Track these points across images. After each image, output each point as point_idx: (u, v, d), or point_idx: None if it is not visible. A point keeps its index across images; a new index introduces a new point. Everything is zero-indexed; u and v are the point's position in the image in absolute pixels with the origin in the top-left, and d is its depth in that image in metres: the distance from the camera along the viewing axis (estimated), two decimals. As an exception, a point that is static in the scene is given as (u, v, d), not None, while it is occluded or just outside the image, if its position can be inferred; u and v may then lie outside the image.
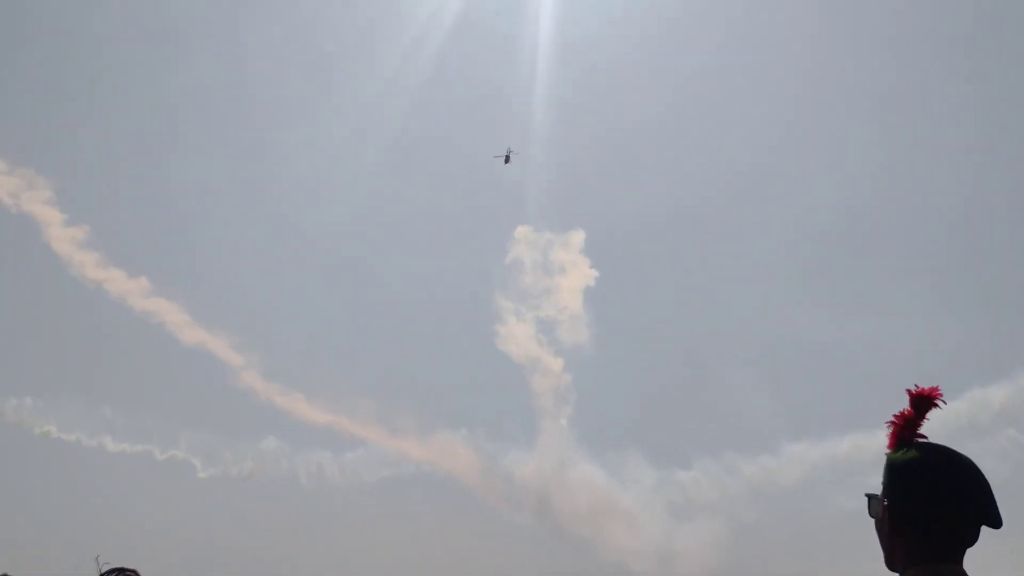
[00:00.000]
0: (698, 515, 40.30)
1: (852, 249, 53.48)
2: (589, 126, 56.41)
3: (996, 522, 2.36)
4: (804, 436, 39.34)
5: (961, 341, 46.58)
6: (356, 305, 55.20)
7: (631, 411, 47.12)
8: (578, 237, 40.98)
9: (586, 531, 41.26)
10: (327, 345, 50.00)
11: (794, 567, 39.11)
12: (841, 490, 35.74)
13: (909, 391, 2.56)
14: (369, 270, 56.00)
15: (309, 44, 54.84)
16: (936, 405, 2.54)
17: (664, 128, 62.89)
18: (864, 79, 52.57)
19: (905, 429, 2.55)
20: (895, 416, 2.57)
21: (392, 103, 50.13)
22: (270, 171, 51.90)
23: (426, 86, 51.50)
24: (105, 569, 3.60)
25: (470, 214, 57.46)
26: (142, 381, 45.58)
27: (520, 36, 48.79)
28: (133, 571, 3.60)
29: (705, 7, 56.40)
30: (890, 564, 2.47)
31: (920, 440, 2.52)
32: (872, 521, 2.54)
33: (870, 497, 2.53)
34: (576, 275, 40.78)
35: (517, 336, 41.12)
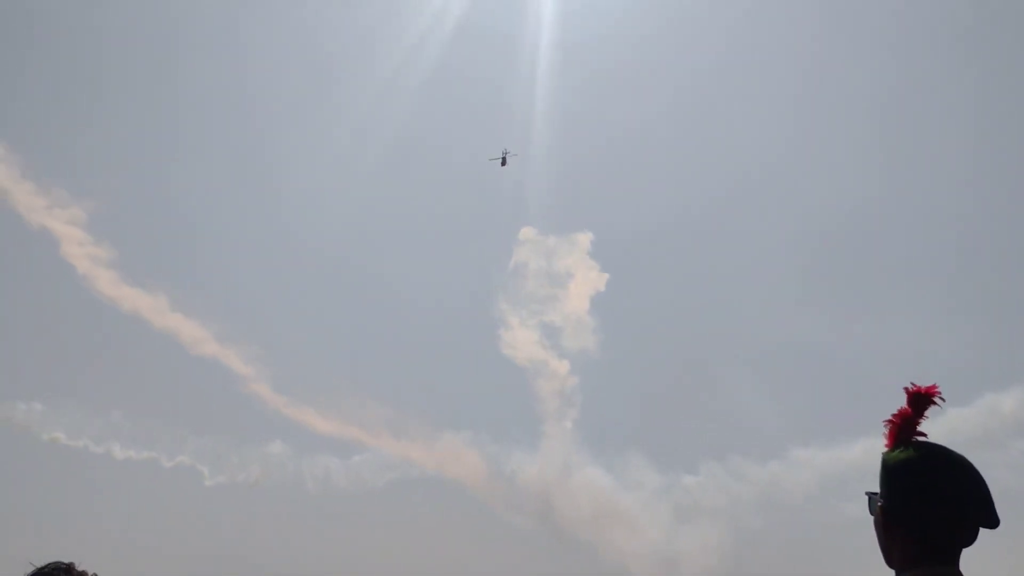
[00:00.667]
0: (703, 519, 40.14)
1: (861, 251, 53.35)
2: (590, 128, 56.48)
3: (993, 523, 2.31)
4: (811, 441, 39.18)
5: (970, 344, 46.31)
6: (360, 310, 55.32)
7: (636, 414, 47.10)
8: (585, 239, 40.82)
9: (589, 534, 41.17)
10: (331, 350, 50.13)
11: (798, 572, 38.86)
12: (848, 496, 35.53)
13: (907, 389, 2.52)
14: (373, 276, 56.09)
15: (310, 46, 55.08)
16: (934, 403, 2.50)
17: (665, 131, 62.89)
18: (866, 82, 52.53)
19: (903, 428, 2.50)
20: (893, 415, 2.53)
21: (393, 105, 50.29)
22: (271, 176, 52.04)
23: (427, 87, 51.74)
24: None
25: (473, 217, 57.53)
26: (149, 388, 45.73)
27: (521, 38, 48.95)
28: (69, 565, 3.42)
29: (705, 9, 56.38)
30: (888, 562, 2.44)
31: (917, 439, 2.47)
32: (872, 520, 2.50)
33: (870, 495, 2.50)
34: (584, 278, 40.61)
35: (520, 340, 41.05)
